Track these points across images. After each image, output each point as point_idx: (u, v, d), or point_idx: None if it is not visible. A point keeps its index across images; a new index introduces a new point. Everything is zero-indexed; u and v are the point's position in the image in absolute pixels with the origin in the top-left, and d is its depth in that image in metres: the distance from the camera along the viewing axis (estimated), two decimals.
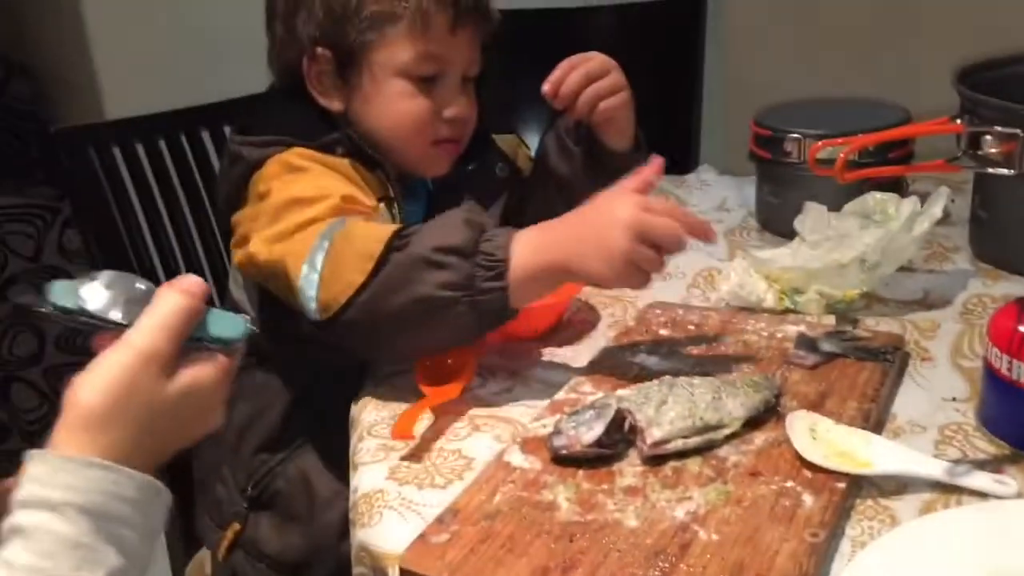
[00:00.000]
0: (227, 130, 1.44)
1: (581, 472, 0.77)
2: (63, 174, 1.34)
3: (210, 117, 1.44)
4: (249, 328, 0.71)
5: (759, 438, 0.80)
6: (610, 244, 0.83)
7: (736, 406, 0.81)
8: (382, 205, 1.04)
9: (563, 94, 1.08)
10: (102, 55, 1.99)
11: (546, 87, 1.09)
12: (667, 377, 0.85)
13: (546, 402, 0.88)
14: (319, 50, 1.07)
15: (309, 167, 1.02)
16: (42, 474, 0.61)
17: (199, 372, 0.68)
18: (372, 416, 0.90)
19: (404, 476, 0.80)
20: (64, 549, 0.59)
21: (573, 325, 1.04)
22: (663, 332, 0.99)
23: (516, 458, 0.79)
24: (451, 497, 0.75)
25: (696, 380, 0.84)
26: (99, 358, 0.65)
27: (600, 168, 1.15)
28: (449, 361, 0.93)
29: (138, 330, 0.66)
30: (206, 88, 1.46)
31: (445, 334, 0.89)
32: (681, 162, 1.81)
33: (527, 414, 0.87)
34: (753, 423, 0.81)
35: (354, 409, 0.94)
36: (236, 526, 1.13)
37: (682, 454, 0.78)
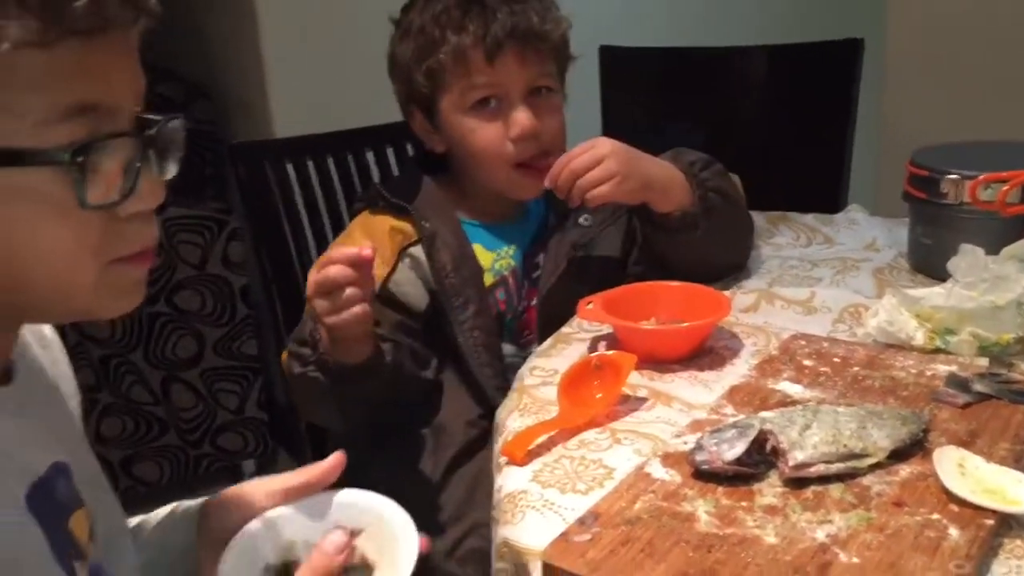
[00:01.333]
0: (389, 151, 1.53)
1: (721, 488, 0.78)
2: (237, 185, 1.44)
3: (374, 139, 1.53)
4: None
5: (904, 470, 0.79)
6: (321, 316, 1.01)
7: (882, 436, 0.80)
8: (417, 248, 1.18)
9: (559, 188, 1.15)
10: (275, 79, 2.12)
11: (546, 182, 1.15)
12: (812, 403, 0.85)
13: (686, 420, 0.90)
14: (410, 106, 1.22)
15: (351, 232, 1.22)
16: None
17: None
18: (516, 423, 0.93)
19: (547, 480, 0.83)
20: None
21: (715, 351, 1.06)
22: (807, 363, 0.99)
23: (657, 470, 0.81)
24: (591, 502, 0.77)
25: (841, 408, 0.84)
26: None
27: (654, 227, 1.20)
28: (596, 383, 0.96)
29: None
30: (371, 112, 1.55)
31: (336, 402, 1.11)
32: (830, 201, 1.80)
33: (667, 431, 0.89)
34: (898, 455, 0.80)
35: (499, 415, 0.98)
36: None
37: (824, 479, 0.78)
